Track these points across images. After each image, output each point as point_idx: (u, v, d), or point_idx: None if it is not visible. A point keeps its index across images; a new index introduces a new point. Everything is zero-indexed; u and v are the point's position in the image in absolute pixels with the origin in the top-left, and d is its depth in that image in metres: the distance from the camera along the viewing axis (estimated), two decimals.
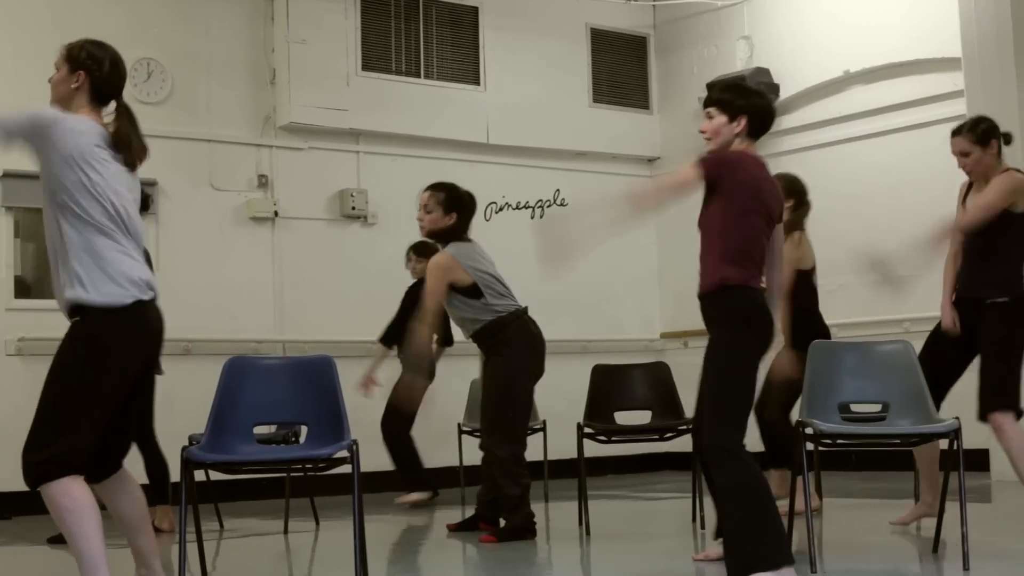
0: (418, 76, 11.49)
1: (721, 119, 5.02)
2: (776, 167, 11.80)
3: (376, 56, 11.26)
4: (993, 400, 6.04)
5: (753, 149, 5.06)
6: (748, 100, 5.05)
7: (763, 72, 11.78)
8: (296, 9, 10.82)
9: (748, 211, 4.86)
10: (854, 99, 11.38)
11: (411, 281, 9.38)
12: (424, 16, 11.56)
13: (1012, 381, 6.13)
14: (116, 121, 4.55)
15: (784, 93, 11.77)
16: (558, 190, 12.32)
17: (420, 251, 9.18)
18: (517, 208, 12.01)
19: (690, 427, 7.52)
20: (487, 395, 7.09)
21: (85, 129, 4.43)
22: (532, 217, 12.00)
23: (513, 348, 7.01)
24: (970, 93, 9.85)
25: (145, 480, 7.47)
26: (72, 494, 4.28)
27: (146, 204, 7.92)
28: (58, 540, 7.46)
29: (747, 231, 4.85)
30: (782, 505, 7.71)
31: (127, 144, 4.51)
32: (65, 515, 4.27)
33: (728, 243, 4.83)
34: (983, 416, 6.09)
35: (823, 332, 7.33)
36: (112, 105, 4.62)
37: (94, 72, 4.56)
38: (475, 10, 11.88)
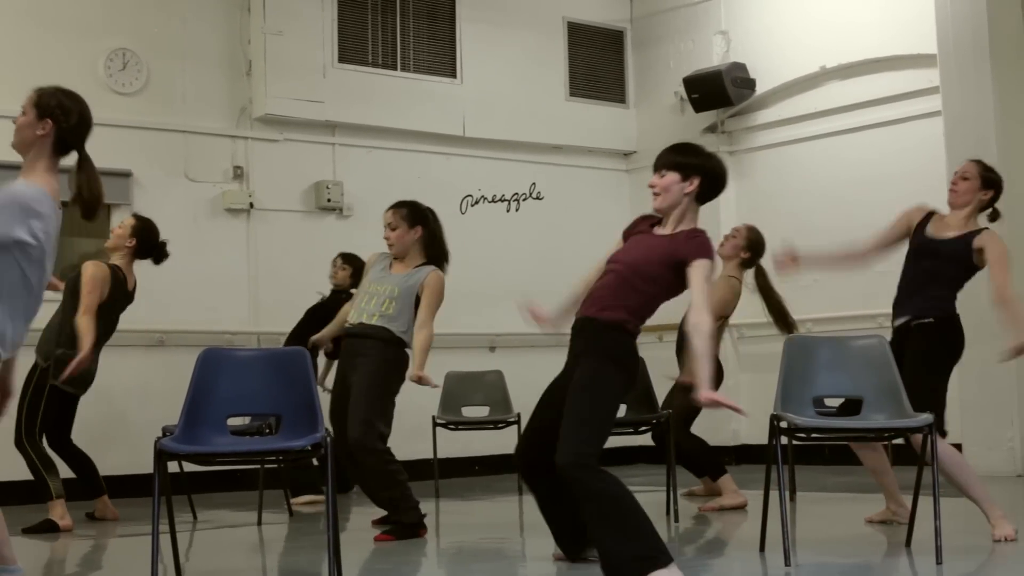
0: (394, 68, 11.48)
1: (673, 176, 5.06)
2: (752, 162, 11.95)
3: (352, 48, 11.24)
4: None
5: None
6: (703, 160, 5.11)
7: (739, 67, 11.80)
8: (273, 0, 10.79)
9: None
10: (830, 94, 11.40)
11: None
12: (401, 8, 11.54)
13: (936, 397, 6.05)
14: (78, 176, 4.50)
15: (760, 88, 11.80)
16: (534, 183, 12.31)
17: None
18: (493, 201, 12.00)
19: (659, 421, 7.60)
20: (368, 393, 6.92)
21: (50, 212, 4.35)
22: (508, 210, 11.99)
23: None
24: (945, 89, 9.89)
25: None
26: None
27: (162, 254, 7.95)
28: (33, 530, 7.45)
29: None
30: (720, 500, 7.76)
31: (87, 201, 4.47)
32: None
33: (647, 307, 5.20)
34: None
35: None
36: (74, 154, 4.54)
37: (61, 123, 4.49)
38: (452, 3, 11.86)
